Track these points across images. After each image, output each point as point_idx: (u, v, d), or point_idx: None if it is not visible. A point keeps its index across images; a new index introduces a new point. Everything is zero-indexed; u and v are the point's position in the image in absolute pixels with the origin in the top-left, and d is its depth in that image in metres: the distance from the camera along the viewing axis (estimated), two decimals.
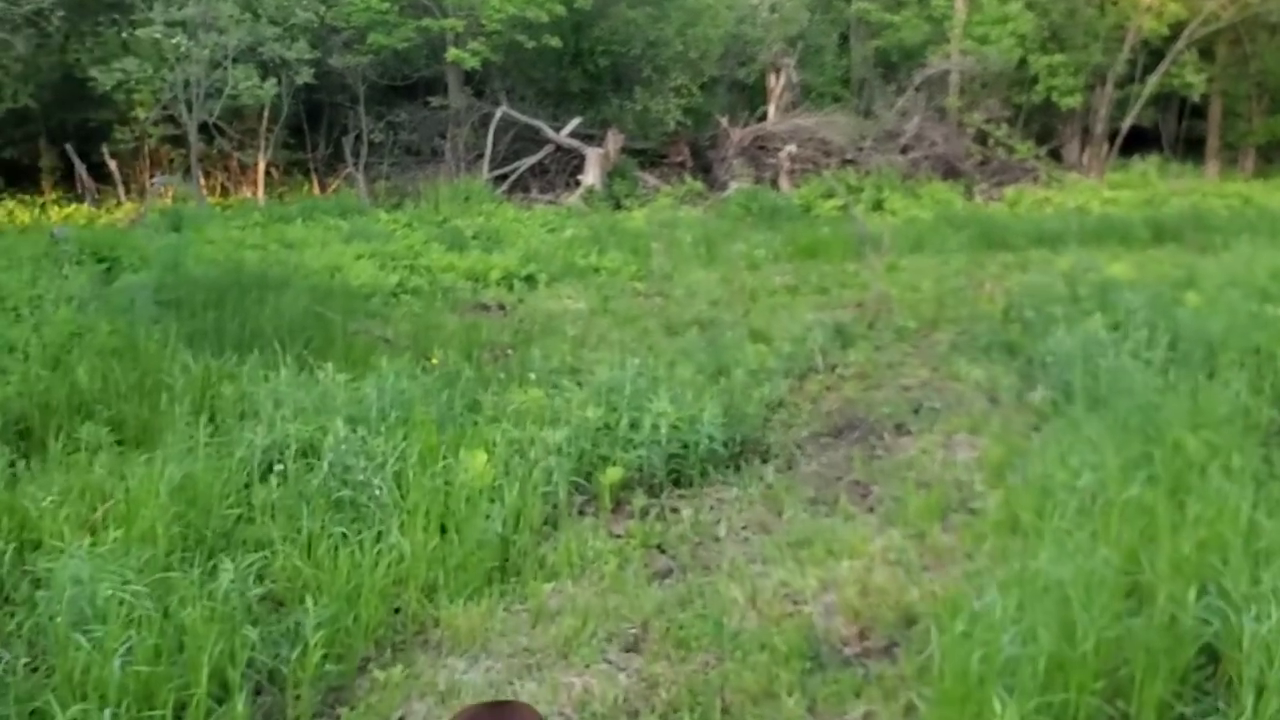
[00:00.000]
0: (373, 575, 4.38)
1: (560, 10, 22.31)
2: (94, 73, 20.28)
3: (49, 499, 4.93)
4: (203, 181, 22.57)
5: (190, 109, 20.72)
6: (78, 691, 3.60)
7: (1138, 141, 27.69)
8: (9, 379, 7.05)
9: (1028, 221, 19.21)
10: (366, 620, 4.27)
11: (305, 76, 21.62)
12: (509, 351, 9.75)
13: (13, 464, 5.65)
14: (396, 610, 4.48)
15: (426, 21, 21.98)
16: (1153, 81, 25.93)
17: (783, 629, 4.25)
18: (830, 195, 22.17)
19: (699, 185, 24.23)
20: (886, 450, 6.67)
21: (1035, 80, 25.96)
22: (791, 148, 23.93)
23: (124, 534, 4.48)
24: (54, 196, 22.21)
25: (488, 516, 4.91)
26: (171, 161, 23.71)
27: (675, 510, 5.63)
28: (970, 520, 5.22)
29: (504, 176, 23.56)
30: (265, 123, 22.69)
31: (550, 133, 23.78)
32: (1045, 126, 27.57)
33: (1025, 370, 8.27)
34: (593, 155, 23.17)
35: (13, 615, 4.24)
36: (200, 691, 3.62)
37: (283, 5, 21.51)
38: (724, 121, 25.21)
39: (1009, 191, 24.07)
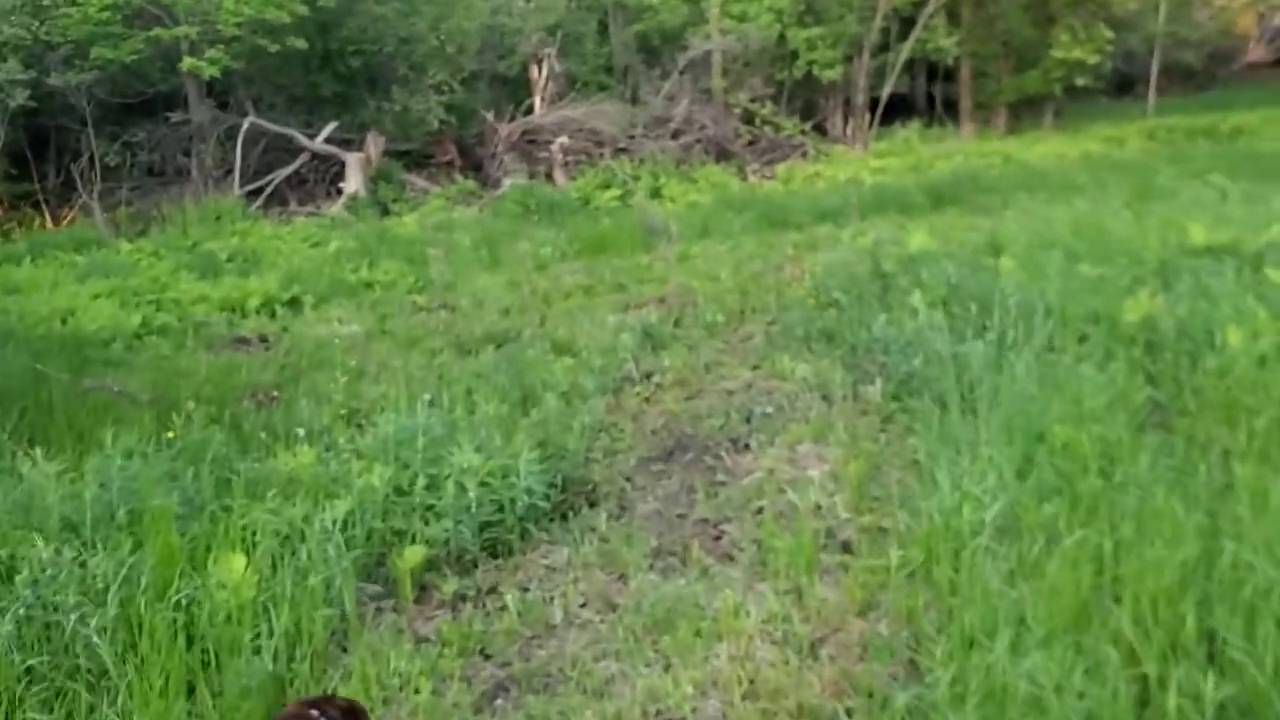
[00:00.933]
0: None
1: (302, 10, 20.70)
2: None
3: None
4: None
5: None
6: None
7: (896, 109, 28.17)
8: None
9: (804, 198, 18.98)
10: None
11: (20, 99, 19.28)
12: (274, 395, 8.47)
13: None
14: None
15: (157, 31, 19.95)
16: (906, 48, 26.35)
17: None
18: (608, 186, 21.43)
19: (471, 184, 23.06)
20: (728, 473, 5.83)
21: (795, 55, 25.95)
22: (563, 140, 23.07)
23: None
24: None
25: (255, 650, 3.77)
26: None
27: (495, 591, 4.60)
28: (849, 564, 4.41)
29: (259, 191, 21.78)
30: None
31: (304, 140, 22.12)
32: (808, 101, 27.64)
33: (851, 360, 7.62)
34: (353, 161, 21.67)
35: None
36: None
37: None
38: (489, 117, 24.11)
39: (780, 169, 23.96)
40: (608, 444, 6.49)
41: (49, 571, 3.85)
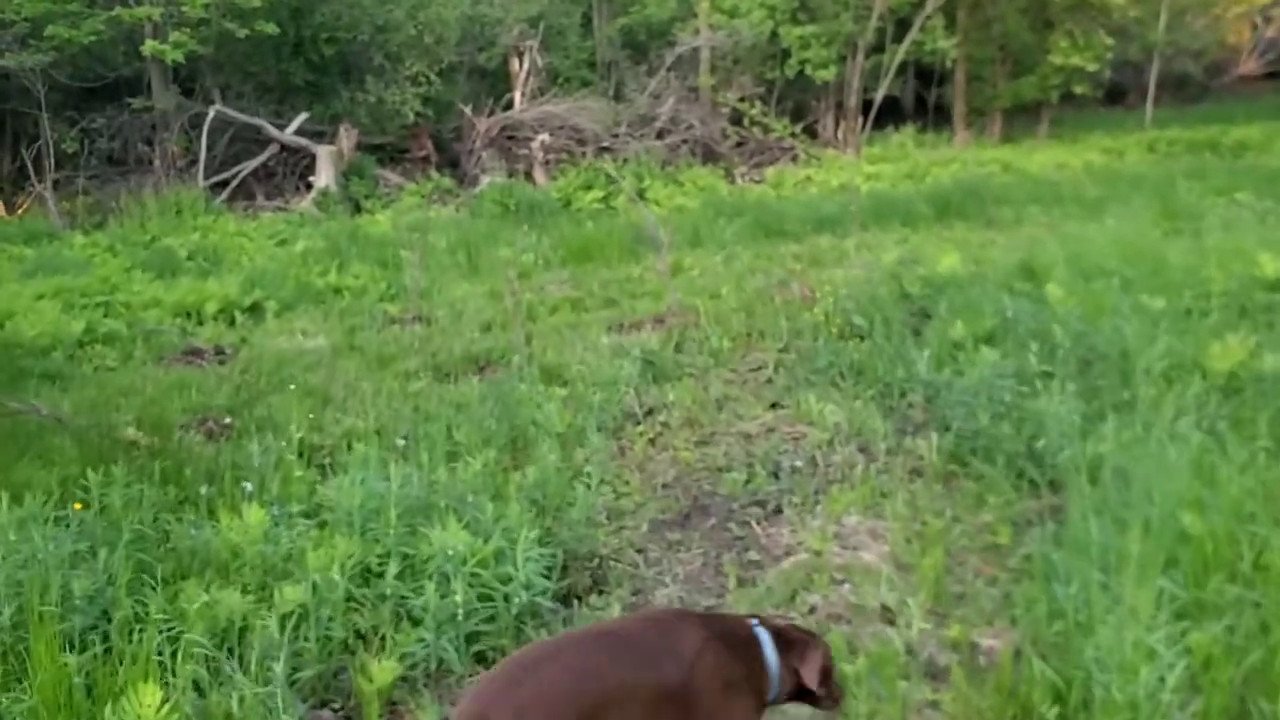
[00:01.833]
0: None
1: None
2: None
3: None
4: None
5: None
6: None
7: (886, 113, 27.28)
8: None
9: (798, 204, 18.08)
10: None
11: None
12: (226, 423, 7.46)
13: None
14: None
15: (118, 11, 18.77)
16: (902, 49, 25.49)
17: None
18: (590, 187, 20.45)
19: (448, 181, 22.00)
20: (761, 548, 4.89)
21: (787, 54, 25.05)
22: (544, 137, 22.06)
23: None
24: None
25: None
26: None
27: None
28: (942, 700, 3.47)
29: (225, 184, 20.65)
30: None
31: (273, 131, 20.99)
32: (799, 102, 26.72)
33: (887, 403, 6.70)
34: (324, 154, 20.58)
35: None
36: None
37: None
38: (468, 111, 23.06)
39: (770, 172, 23.04)
40: (612, 500, 5.54)
41: None
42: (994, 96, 27.71)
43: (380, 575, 4.10)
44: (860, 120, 25.56)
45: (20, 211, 20.12)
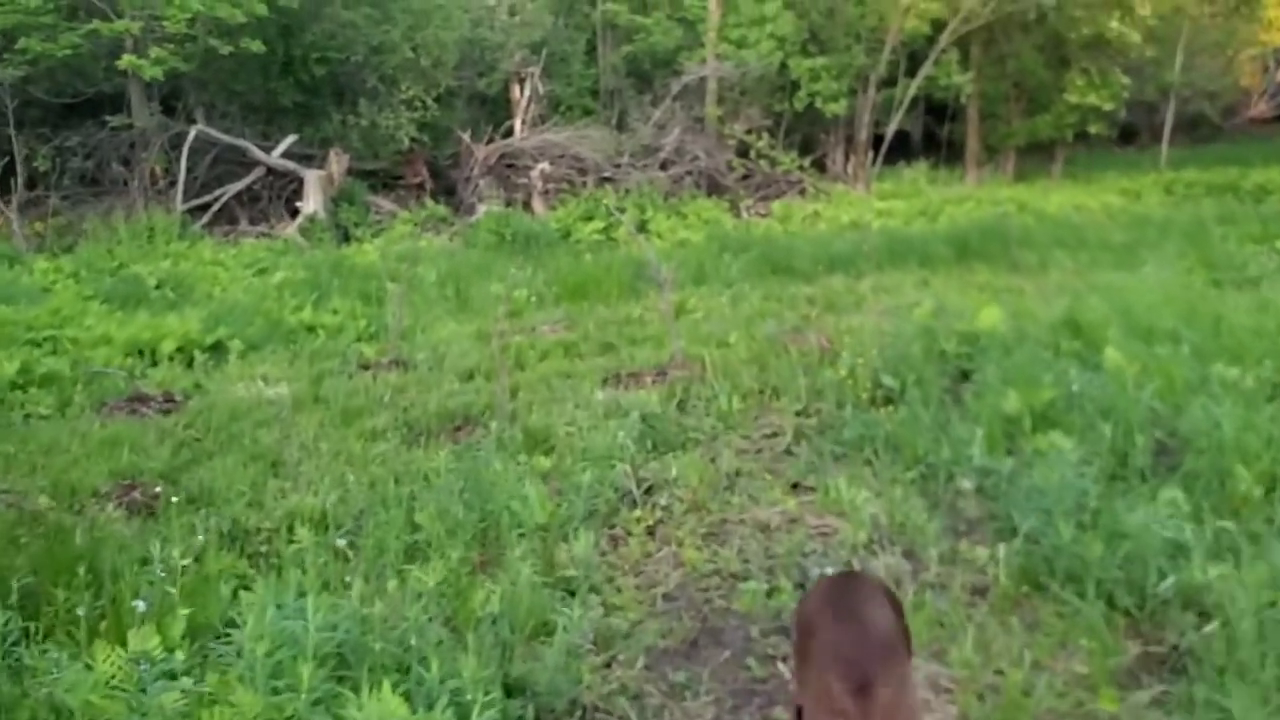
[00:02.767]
0: None
1: (261, 9, 18.64)
2: None
3: None
4: None
5: None
6: None
7: (894, 149, 26.41)
8: None
9: (807, 240, 17.12)
10: None
11: None
12: (155, 493, 6.42)
13: None
14: None
15: (95, 24, 17.82)
16: (915, 83, 24.60)
17: None
18: (590, 218, 19.48)
19: (442, 210, 21.05)
20: (789, 702, 3.86)
21: (796, 86, 24.16)
22: (544, 166, 21.13)
23: None
24: None
25: None
26: None
27: None
28: None
29: (206, 207, 19.67)
30: None
31: (258, 153, 20.04)
32: (807, 136, 25.86)
33: (928, 486, 5.68)
34: (312, 178, 19.61)
35: None
36: None
37: None
38: (466, 137, 22.13)
39: (776, 206, 22.13)
40: (600, 617, 4.50)
41: None
42: (1008, 134, 26.85)
43: None
44: (870, 155, 24.66)
45: None
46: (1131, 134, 34.32)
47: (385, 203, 21.10)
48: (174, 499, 6.08)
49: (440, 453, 6.67)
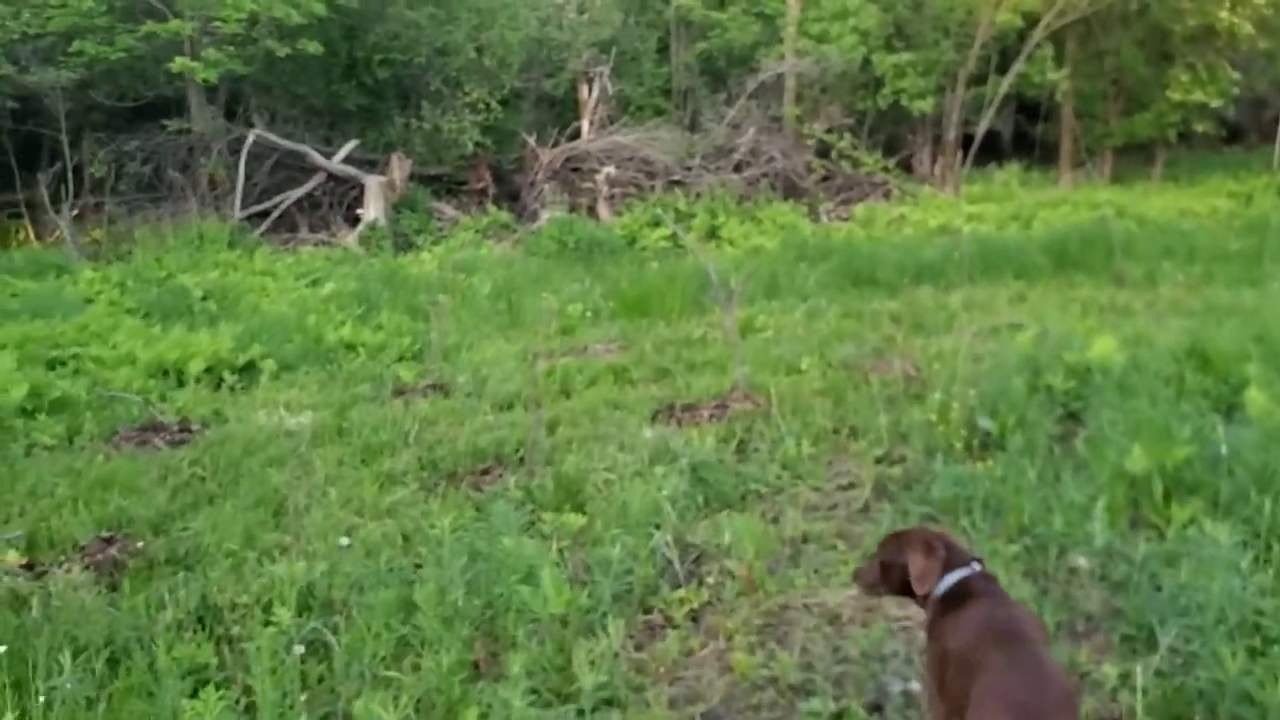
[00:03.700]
0: None
1: (320, 9, 18.03)
2: None
3: None
4: None
5: None
6: None
7: (984, 148, 25.04)
8: None
9: (891, 248, 15.97)
10: None
11: None
12: (137, 547, 5.63)
13: None
14: None
15: (149, 25, 17.36)
16: (1007, 80, 23.26)
17: None
18: (658, 224, 18.55)
19: (505, 216, 20.30)
20: None
21: (880, 83, 22.97)
22: (610, 169, 20.26)
23: None
24: None
25: None
26: None
27: None
28: None
29: (266, 214, 19.16)
30: None
31: (319, 159, 19.49)
32: (892, 135, 24.65)
33: (1034, 564, 4.64)
34: (373, 184, 19.00)
35: None
36: None
37: None
38: (531, 141, 21.35)
39: (858, 210, 21.01)
40: None
41: None
42: (1105, 134, 25.30)
43: None
44: (959, 155, 23.35)
45: (54, 239, 18.81)
46: (1237, 133, 32.31)
47: (448, 209, 20.41)
48: (161, 557, 5.32)
49: (460, 504, 5.78)
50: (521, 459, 6.66)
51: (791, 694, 3.87)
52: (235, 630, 4.53)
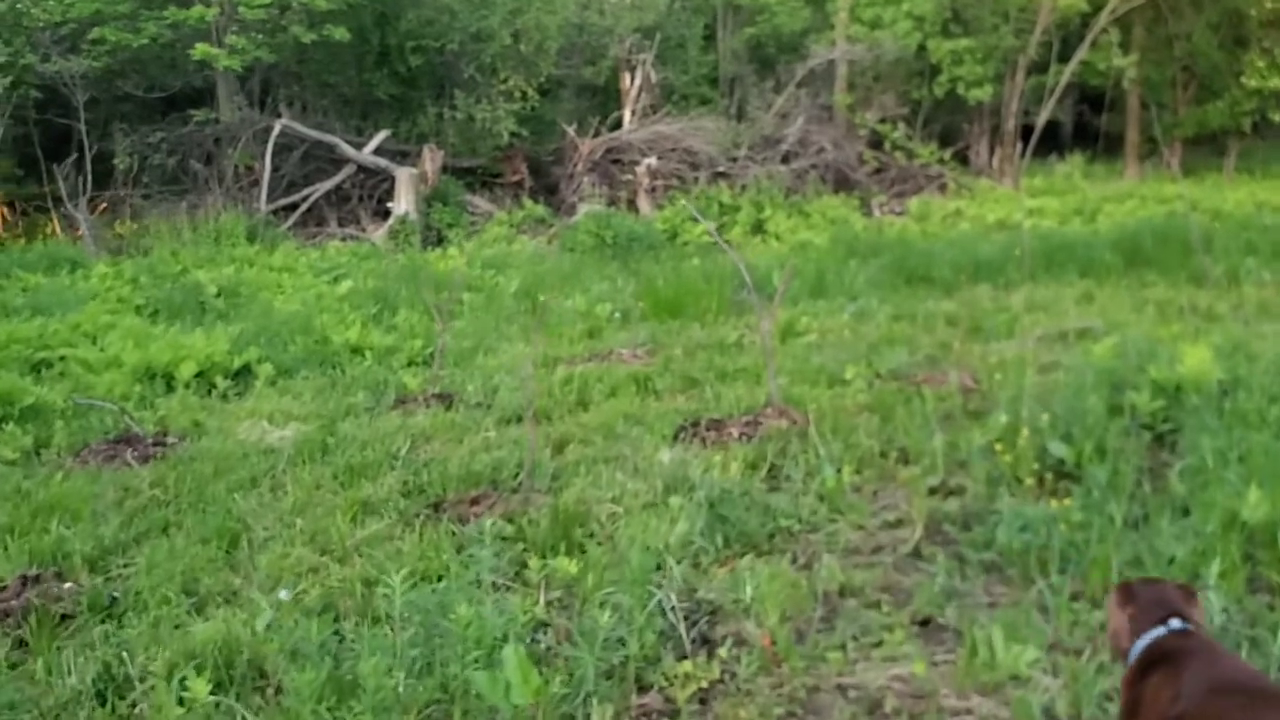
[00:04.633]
0: None
1: None
2: None
3: None
4: None
5: None
6: None
7: (1044, 140, 23.84)
8: None
9: (947, 243, 14.94)
10: None
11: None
12: (69, 587, 4.85)
13: None
14: None
15: (173, 12, 16.74)
16: (1069, 68, 22.05)
17: None
18: (695, 219, 17.63)
19: (541, 209, 19.45)
20: None
21: (937, 70, 21.87)
22: (651, 160, 19.34)
23: None
24: None
25: None
26: None
27: None
28: None
29: (294, 207, 18.49)
30: None
31: (348, 150, 18.77)
32: (948, 125, 23.57)
33: None
34: (404, 176, 18.22)
35: None
36: None
37: None
38: (570, 131, 20.51)
39: (913, 204, 19.95)
40: None
41: None
42: (1174, 124, 23.99)
43: None
44: (1019, 147, 22.19)
45: (78, 234, 18.28)
46: None
47: (482, 202, 19.62)
48: (85, 603, 4.53)
49: (437, 543, 4.94)
50: (518, 486, 5.80)
51: None
52: (140, 709, 3.72)
